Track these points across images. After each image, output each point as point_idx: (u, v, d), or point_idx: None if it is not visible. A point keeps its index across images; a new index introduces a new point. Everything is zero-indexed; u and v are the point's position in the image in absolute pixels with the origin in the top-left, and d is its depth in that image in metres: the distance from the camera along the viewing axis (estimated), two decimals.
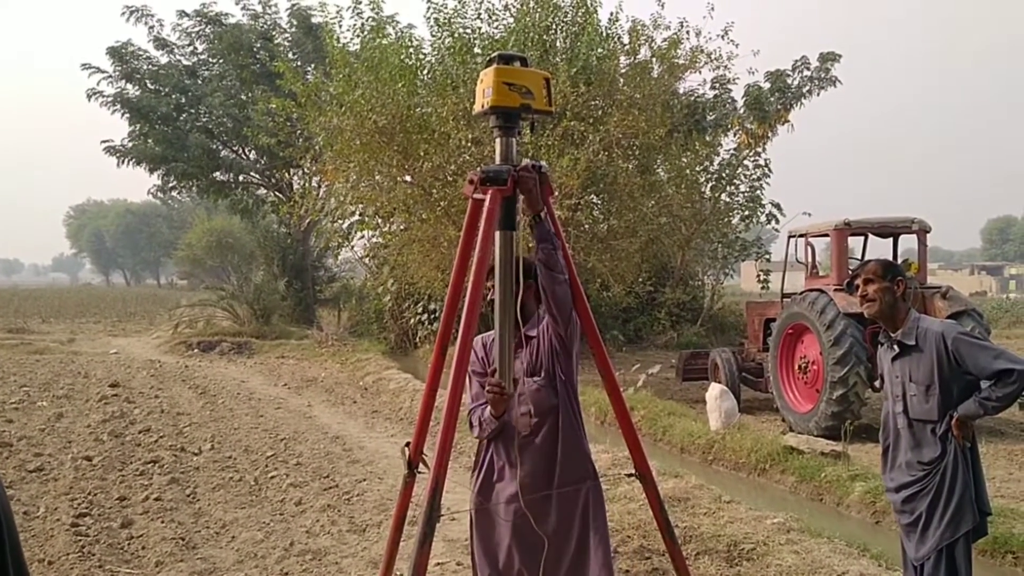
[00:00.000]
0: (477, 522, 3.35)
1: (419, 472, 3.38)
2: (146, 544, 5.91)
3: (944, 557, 3.54)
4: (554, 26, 15.08)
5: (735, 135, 19.33)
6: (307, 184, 24.44)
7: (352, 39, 16.13)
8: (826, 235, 10.79)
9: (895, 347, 3.71)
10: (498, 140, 3.18)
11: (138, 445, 9.19)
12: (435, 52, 15.27)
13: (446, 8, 14.93)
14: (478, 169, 3.14)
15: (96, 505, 6.77)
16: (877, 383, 4.16)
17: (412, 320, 19.66)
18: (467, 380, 3.30)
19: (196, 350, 20.38)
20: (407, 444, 3.41)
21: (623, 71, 15.37)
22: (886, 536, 6.51)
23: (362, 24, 15.22)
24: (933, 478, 3.57)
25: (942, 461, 3.55)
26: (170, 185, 28.78)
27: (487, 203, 3.05)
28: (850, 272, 10.32)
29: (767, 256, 21.42)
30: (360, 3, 15.16)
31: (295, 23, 26.98)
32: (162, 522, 6.40)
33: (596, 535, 3.29)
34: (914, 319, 3.68)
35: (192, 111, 26.81)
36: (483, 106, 3.13)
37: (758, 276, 20.31)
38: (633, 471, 3.48)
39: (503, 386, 3.12)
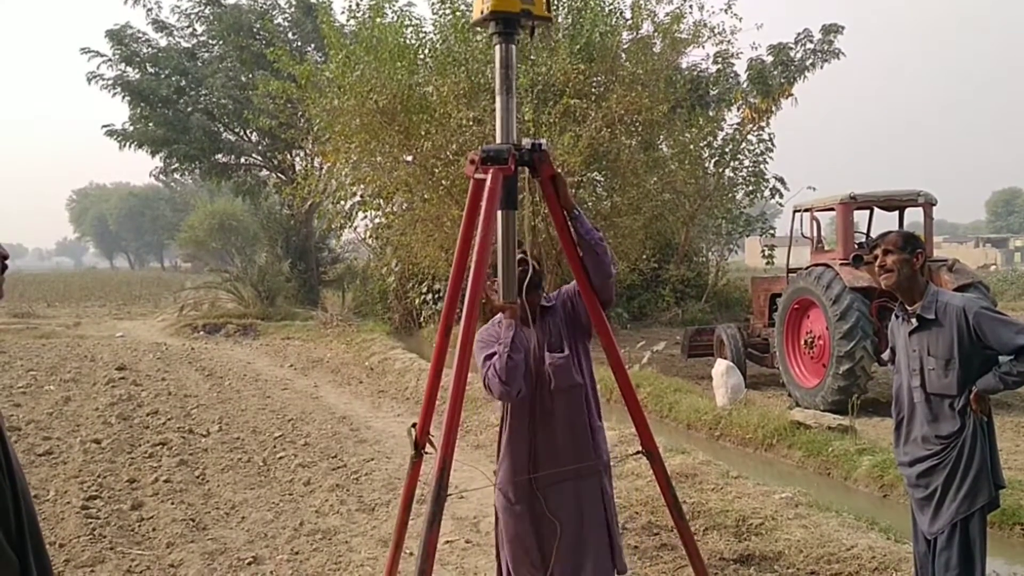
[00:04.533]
0: (502, 508, 3.33)
1: (426, 453, 3.38)
2: (156, 526, 5.96)
3: (959, 531, 3.53)
4: (556, 2, 14.96)
5: (738, 110, 19.20)
6: (309, 165, 24.40)
7: (349, 20, 16.04)
8: (831, 209, 10.74)
9: (913, 321, 3.67)
10: (497, 48, 3.14)
11: (146, 427, 9.24)
12: (436, 30, 15.16)
13: None
14: (479, 149, 3.12)
15: (106, 488, 6.82)
16: (886, 355, 4.10)
17: (416, 300, 19.66)
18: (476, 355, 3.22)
19: (202, 332, 20.44)
20: (413, 425, 3.42)
21: (625, 47, 15.25)
22: (894, 510, 6.53)
23: (357, 3, 15.10)
24: (951, 452, 3.55)
25: (960, 435, 3.53)
26: (172, 167, 28.79)
27: (488, 182, 3.04)
28: (856, 247, 10.36)
29: (771, 231, 21.34)
30: None
31: (294, 3, 26.82)
32: (172, 504, 6.45)
33: (613, 521, 3.33)
34: (932, 293, 3.64)
35: (193, 93, 26.70)
36: (482, 12, 3.08)
37: (763, 251, 20.27)
38: (640, 448, 3.48)
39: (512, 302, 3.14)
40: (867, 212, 11.14)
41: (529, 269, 3.23)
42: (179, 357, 15.85)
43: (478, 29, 14.61)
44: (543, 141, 3.20)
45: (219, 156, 27.89)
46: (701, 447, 8.28)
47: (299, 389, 12.24)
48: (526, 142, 3.16)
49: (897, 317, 3.81)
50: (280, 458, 7.91)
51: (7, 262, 2.06)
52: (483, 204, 3.05)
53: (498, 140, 3.17)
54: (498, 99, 3.17)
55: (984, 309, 3.53)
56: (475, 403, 9.38)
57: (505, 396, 3.18)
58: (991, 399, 3.61)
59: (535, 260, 3.29)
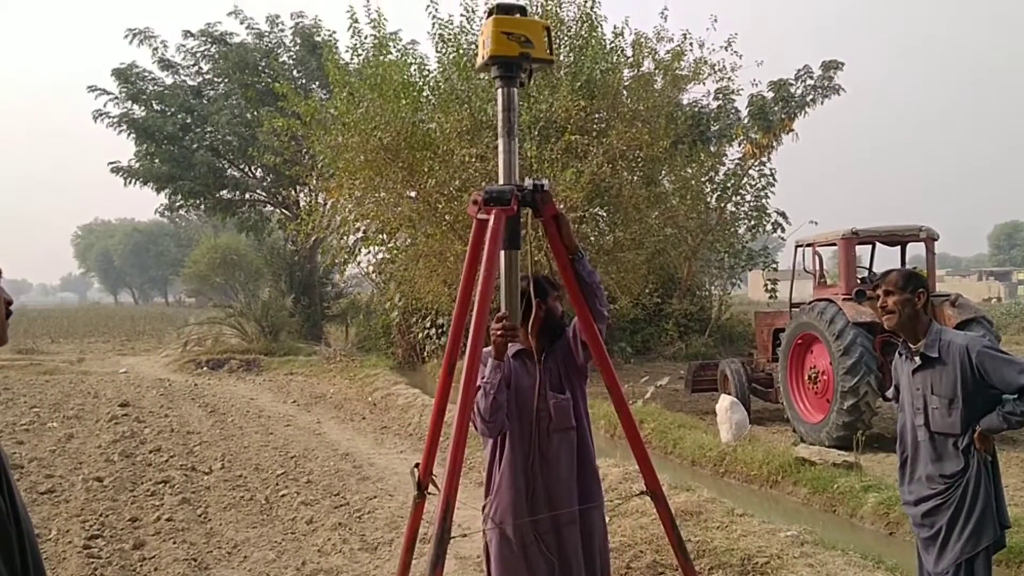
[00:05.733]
0: (496, 547, 3.34)
1: (429, 493, 3.37)
2: (158, 565, 5.92)
3: (964, 571, 3.50)
4: (558, 40, 15.13)
5: (740, 145, 19.33)
6: (313, 201, 24.55)
7: (353, 59, 16.24)
8: (833, 244, 10.77)
9: (916, 359, 3.67)
10: (499, 91, 3.19)
11: (149, 465, 9.21)
12: (440, 68, 15.33)
13: (451, 25, 15.02)
14: (482, 189, 3.16)
15: (108, 526, 6.79)
16: (890, 393, 4.11)
17: (420, 335, 19.67)
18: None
19: (205, 368, 20.43)
20: (416, 465, 3.41)
21: (626, 84, 15.40)
22: (900, 547, 6.47)
23: (361, 42, 15.29)
24: (955, 491, 3.55)
25: (965, 475, 3.53)
26: (177, 204, 28.98)
27: (491, 223, 3.06)
28: (859, 281, 10.37)
29: (774, 265, 21.37)
30: (357, 22, 15.25)
31: (299, 41, 27.14)
32: (174, 543, 6.41)
33: (606, 564, 3.33)
34: (936, 331, 3.64)
35: (198, 130, 26.97)
36: (483, 57, 3.14)
37: (765, 285, 20.29)
38: (644, 489, 3.47)
39: (514, 325, 3.16)
40: (869, 247, 11.17)
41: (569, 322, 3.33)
42: (182, 393, 15.83)
43: None
44: (545, 182, 3.23)
45: (224, 192, 28.14)
46: (706, 484, 8.23)
47: (302, 425, 12.21)
48: (528, 182, 3.19)
49: (900, 355, 3.81)
50: (283, 496, 7.87)
51: (11, 308, 2.09)
52: (486, 244, 3.07)
53: (501, 181, 3.21)
54: (500, 142, 3.21)
55: (987, 348, 3.53)
56: (478, 440, 9.33)
57: (486, 434, 3.30)
58: (995, 437, 3.60)
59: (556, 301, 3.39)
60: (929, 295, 3.73)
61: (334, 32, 24.96)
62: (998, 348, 3.62)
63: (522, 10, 3.19)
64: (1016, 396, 3.44)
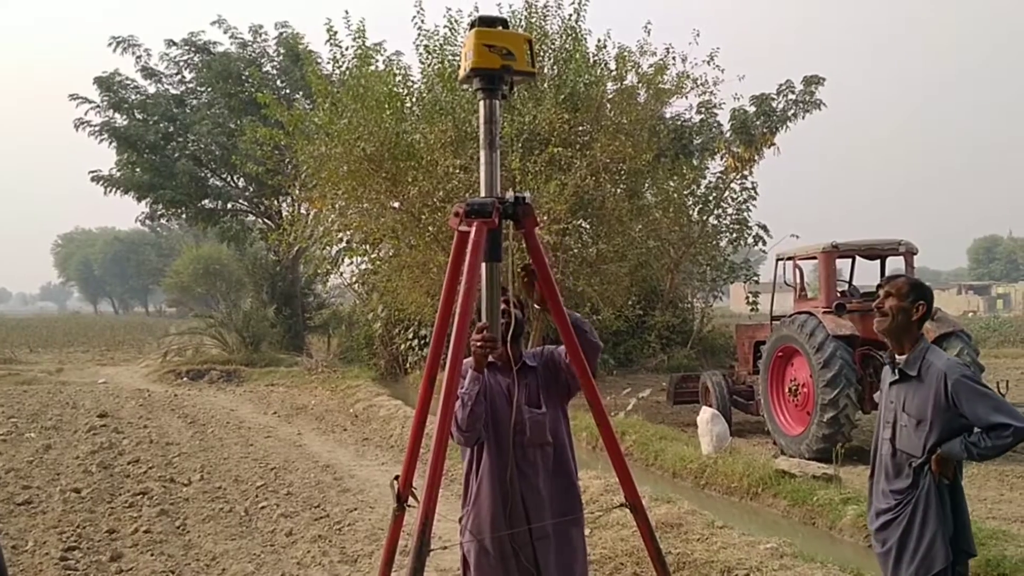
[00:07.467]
0: (475, 559, 3.33)
1: (409, 506, 3.37)
2: None
3: None
4: (542, 53, 15.17)
5: (722, 159, 19.46)
6: (296, 211, 24.49)
7: (335, 70, 16.22)
8: (814, 258, 10.85)
9: (896, 372, 3.62)
10: (481, 103, 3.21)
11: (127, 476, 9.14)
12: (424, 79, 15.34)
13: (436, 36, 15.04)
14: (463, 202, 3.17)
15: (85, 538, 6.73)
16: (877, 396, 4.04)
17: (402, 346, 19.63)
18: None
19: (185, 379, 20.31)
20: (396, 478, 3.41)
21: (610, 97, 15.46)
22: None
23: (342, 53, 15.29)
24: (904, 509, 3.49)
25: (913, 493, 3.47)
26: (158, 213, 28.82)
27: (472, 235, 3.07)
28: (839, 294, 10.45)
29: (755, 278, 21.48)
30: (336, 35, 15.23)
31: (282, 51, 27.10)
32: (152, 555, 6.36)
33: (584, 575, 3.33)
34: (921, 349, 3.57)
35: (180, 139, 26.84)
36: (465, 70, 3.16)
37: (747, 298, 20.41)
38: (624, 501, 3.48)
39: (494, 337, 3.15)
40: (849, 260, 11.26)
41: (511, 320, 3.29)
42: (162, 404, 15.72)
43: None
44: (527, 194, 3.25)
45: (206, 202, 27.98)
46: (686, 496, 8.25)
47: (282, 437, 12.14)
48: (510, 195, 3.21)
49: (885, 364, 3.77)
50: (262, 508, 7.83)
51: None
52: (467, 256, 3.08)
53: (482, 193, 3.22)
54: (482, 154, 3.23)
55: (965, 378, 3.42)
56: (459, 452, 9.32)
57: (462, 443, 3.31)
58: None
59: (518, 309, 3.37)
60: (928, 311, 3.64)
61: (308, 44, 25.00)
62: (977, 379, 3.49)
63: (504, 23, 3.21)
64: (985, 431, 3.36)
